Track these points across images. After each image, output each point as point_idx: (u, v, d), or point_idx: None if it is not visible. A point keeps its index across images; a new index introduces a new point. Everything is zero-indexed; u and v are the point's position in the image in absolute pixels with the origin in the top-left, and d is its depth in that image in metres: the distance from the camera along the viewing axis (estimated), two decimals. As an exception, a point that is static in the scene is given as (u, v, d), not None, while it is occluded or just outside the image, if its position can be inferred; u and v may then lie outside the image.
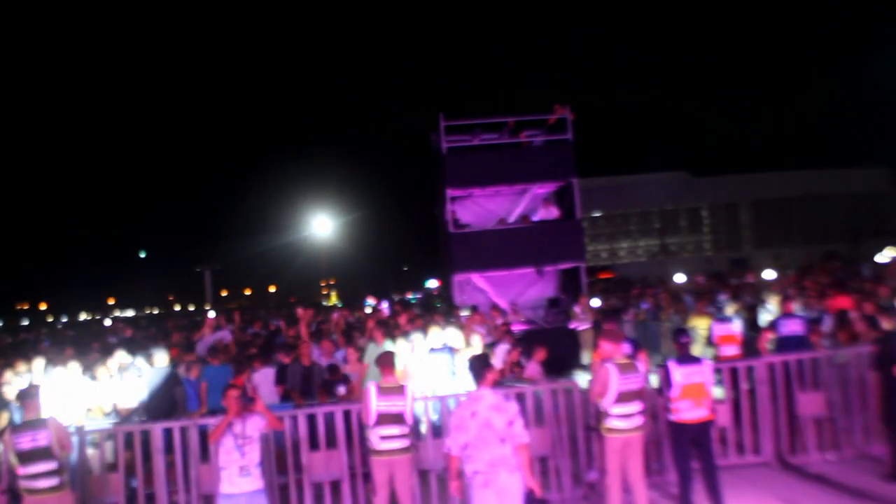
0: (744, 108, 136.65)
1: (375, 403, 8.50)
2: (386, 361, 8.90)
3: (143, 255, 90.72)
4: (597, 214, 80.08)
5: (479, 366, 7.58)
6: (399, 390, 8.61)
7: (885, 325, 10.90)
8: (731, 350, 12.99)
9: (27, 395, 8.41)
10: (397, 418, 8.50)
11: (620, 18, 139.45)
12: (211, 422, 8.94)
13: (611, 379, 8.48)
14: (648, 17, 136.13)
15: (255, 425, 7.97)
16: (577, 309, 18.71)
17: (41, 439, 8.07)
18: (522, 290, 20.86)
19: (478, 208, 20.85)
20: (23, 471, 8.08)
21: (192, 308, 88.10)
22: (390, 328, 14.22)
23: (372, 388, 8.60)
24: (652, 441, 10.43)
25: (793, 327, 11.85)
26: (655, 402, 10.34)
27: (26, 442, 8.07)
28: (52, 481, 8.08)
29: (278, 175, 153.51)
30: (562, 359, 16.85)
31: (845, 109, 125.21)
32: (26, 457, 8.06)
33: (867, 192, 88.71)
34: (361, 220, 68.98)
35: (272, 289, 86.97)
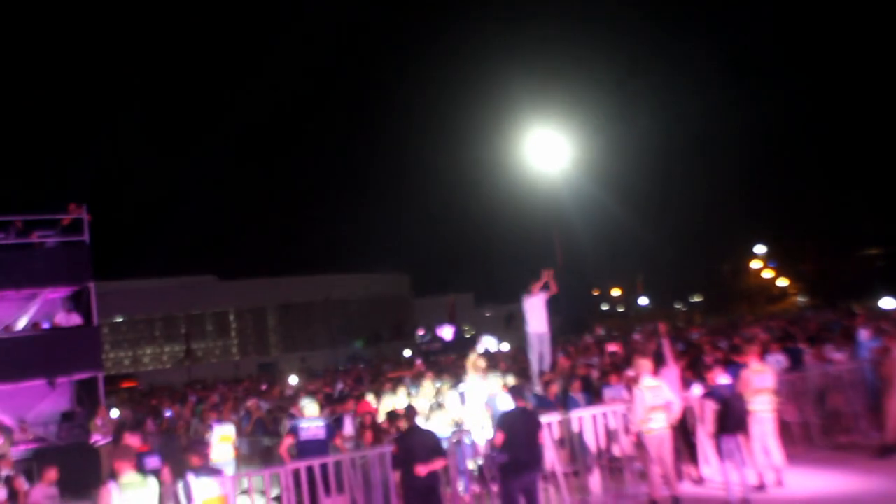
0: (269, 214, 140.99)
1: None
2: None
3: None
4: (119, 319, 77.04)
5: None
6: None
7: (402, 424, 11.23)
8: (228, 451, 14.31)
9: None
10: None
11: (127, 116, 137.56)
12: None
13: (113, 500, 7.83)
14: (165, 121, 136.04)
15: None
16: (98, 422, 17.42)
17: None
18: (32, 403, 18.95)
19: (-22, 315, 18.76)
20: None
21: None
22: None
23: None
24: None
25: (314, 431, 11.74)
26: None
27: None
28: None
29: None
30: (78, 477, 15.52)
31: (369, 218, 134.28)
32: None
33: (386, 296, 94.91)
34: None
35: None
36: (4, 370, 17.63)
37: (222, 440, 14.30)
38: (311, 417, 11.92)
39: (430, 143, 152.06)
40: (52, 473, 11.69)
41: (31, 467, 16.12)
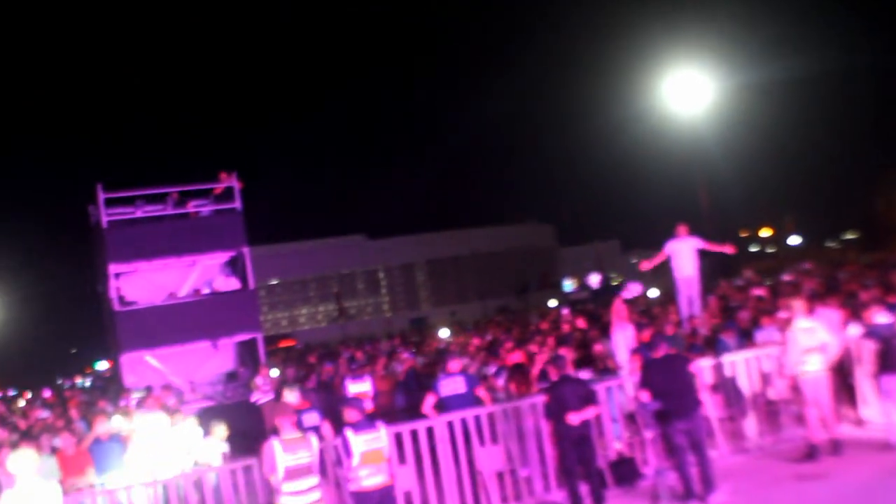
0: (414, 171, 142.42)
1: None
2: None
3: None
4: (274, 282, 79.63)
5: None
6: None
7: (553, 374, 11.26)
8: (367, 406, 13.99)
9: None
10: None
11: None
12: None
13: (276, 456, 8.19)
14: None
15: None
16: (258, 381, 18.16)
17: None
18: (199, 365, 19.92)
19: (145, 283, 19.73)
20: None
21: None
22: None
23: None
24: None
25: (453, 386, 11.62)
26: (339, 474, 10.11)
27: None
28: None
29: None
30: (244, 434, 16.25)
31: (511, 169, 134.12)
32: None
33: (532, 247, 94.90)
34: (18, 301, 63.62)
35: None
36: (172, 334, 18.59)
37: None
38: (450, 373, 11.86)
39: (572, 90, 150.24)
40: (221, 431, 12.30)
41: (201, 425, 17.00)
